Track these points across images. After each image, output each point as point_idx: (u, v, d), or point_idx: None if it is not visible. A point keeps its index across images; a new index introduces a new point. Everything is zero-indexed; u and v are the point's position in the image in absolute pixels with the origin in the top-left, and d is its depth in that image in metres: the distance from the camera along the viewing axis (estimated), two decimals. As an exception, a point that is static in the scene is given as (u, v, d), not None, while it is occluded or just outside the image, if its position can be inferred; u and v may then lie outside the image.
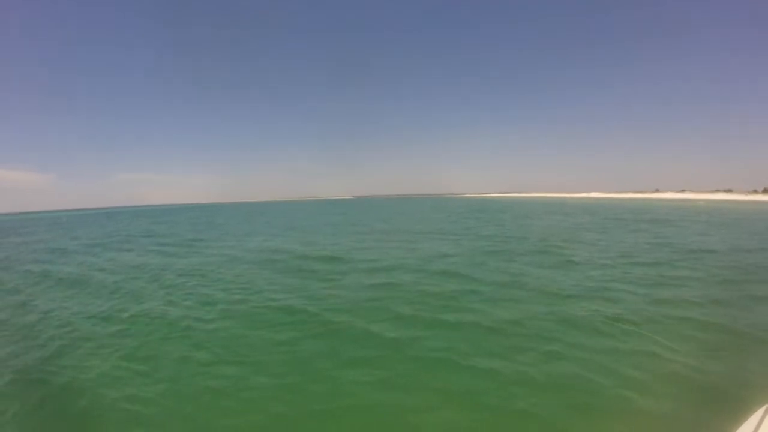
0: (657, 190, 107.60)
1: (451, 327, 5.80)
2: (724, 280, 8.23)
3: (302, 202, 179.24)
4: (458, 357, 4.77)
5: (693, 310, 6.30)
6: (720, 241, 14.58)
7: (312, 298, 7.57)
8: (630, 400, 3.80)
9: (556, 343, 5.10)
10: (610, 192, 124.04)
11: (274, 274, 10.17)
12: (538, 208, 47.34)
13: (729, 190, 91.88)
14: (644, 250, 12.38)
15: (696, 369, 4.35)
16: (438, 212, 42.12)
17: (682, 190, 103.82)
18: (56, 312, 7.37)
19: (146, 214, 60.56)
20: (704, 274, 8.83)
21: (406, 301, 7.11)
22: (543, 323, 5.82)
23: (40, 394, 4.33)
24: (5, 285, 10.29)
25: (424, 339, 5.38)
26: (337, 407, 3.86)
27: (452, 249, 13.47)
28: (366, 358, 4.88)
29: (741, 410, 2.60)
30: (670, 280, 8.34)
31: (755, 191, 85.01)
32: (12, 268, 13.18)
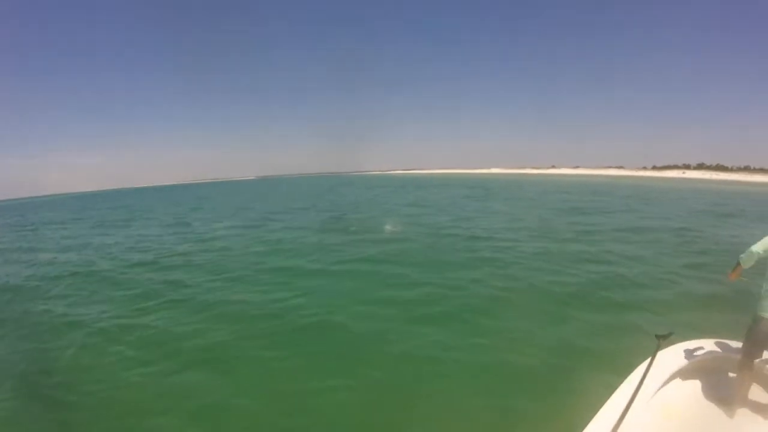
0: (553, 166, 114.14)
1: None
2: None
3: (208, 184, 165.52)
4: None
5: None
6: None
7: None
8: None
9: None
10: (510, 168, 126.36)
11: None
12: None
13: (620, 167, 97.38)
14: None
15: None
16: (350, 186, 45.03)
17: (576, 167, 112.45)
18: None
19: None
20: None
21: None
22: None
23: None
24: None
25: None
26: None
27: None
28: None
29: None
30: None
31: (644, 168, 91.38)
32: None
